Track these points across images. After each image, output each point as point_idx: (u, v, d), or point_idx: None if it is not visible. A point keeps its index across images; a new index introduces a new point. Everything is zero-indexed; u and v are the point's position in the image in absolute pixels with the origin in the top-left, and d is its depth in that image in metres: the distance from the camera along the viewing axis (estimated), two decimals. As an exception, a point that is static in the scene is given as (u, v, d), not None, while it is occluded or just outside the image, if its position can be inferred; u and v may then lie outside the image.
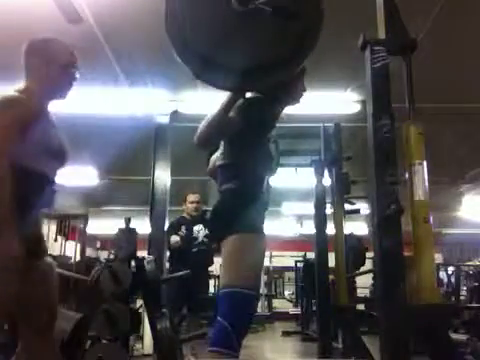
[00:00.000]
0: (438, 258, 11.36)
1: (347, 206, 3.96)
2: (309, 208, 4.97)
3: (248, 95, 1.90)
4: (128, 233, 8.18)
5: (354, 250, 5.64)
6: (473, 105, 5.20)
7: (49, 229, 7.26)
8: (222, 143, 1.88)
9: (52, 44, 1.83)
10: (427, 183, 1.78)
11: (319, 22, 1.60)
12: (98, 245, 11.93)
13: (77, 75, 1.83)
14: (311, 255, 5.96)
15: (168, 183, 5.47)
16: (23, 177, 1.56)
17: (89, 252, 9.72)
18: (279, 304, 12.86)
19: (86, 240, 7.62)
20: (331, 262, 3.83)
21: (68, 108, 5.13)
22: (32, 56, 1.75)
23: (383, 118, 1.79)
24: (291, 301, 12.00)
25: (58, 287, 1.82)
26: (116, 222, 8.86)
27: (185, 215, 4.51)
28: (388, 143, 1.78)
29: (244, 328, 1.72)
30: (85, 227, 7.33)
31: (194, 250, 4.24)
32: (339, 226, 3.78)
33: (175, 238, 4.23)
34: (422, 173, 1.78)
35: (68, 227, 7.39)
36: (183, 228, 4.32)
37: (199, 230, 4.32)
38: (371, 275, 6.11)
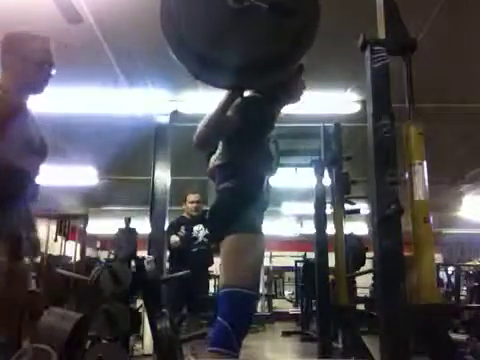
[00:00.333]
0: (438, 258, 11.36)
1: (347, 206, 3.96)
2: (309, 208, 4.97)
3: (246, 94, 1.90)
4: (128, 233, 8.18)
5: (354, 250, 5.64)
6: (473, 105, 5.20)
7: (49, 229, 7.26)
8: (221, 143, 1.88)
9: (28, 40, 1.78)
10: (427, 183, 1.78)
11: (316, 18, 1.60)
12: (98, 245, 11.93)
13: (53, 72, 1.80)
14: (311, 255, 5.96)
15: (168, 183, 5.47)
16: (3, 173, 1.54)
17: (89, 252, 9.73)
18: (279, 304, 12.85)
19: (86, 240, 7.62)
20: (331, 262, 3.83)
21: (68, 108, 5.14)
22: (7, 52, 1.73)
23: (383, 118, 1.79)
24: (291, 301, 12.00)
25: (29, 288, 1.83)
26: (116, 222, 8.85)
27: (185, 215, 4.51)
28: (388, 143, 1.78)
29: (244, 328, 1.72)
30: (85, 227, 7.33)
31: (194, 250, 4.24)
32: (339, 226, 3.78)
33: (175, 238, 4.23)
34: (422, 173, 1.78)
35: (68, 227, 7.38)
36: (182, 228, 4.32)
37: (199, 230, 4.32)
38: (371, 275, 6.11)
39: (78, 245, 7.42)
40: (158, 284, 3.06)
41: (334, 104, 5.42)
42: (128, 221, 8.55)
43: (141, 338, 4.69)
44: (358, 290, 8.15)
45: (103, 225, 11.10)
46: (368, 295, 9.56)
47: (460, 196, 9.40)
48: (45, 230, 7.20)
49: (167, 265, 4.72)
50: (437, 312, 1.70)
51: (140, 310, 4.05)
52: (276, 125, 2.00)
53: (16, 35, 1.78)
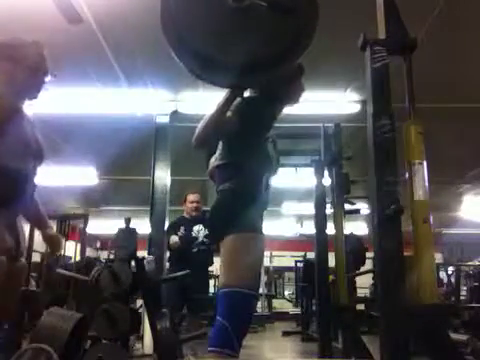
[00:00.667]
0: (438, 258, 11.36)
1: (347, 206, 3.96)
2: (309, 208, 4.98)
3: (246, 95, 1.90)
4: (128, 233, 8.21)
5: (354, 250, 5.64)
6: (473, 105, 5.20)
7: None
8: (220, 143, 1.88)
9: (22, 46, 1.79)
10: (427, 183, 1.78)
11: (315, 17, 1.60)
12: (98, 245, 11.93)
13: (47, 79, 1.81)
14: (311, 255, 5.95)
15: (168, 183, 5.48)
16: (2, 176, 1.57)
17: (89, 252, 9.73)
18: (279, 304, 12.86)
19: (86, 240, 7.62)
20: (331, 262, 3.83)
21: (68, 108, 5.14)
22: (1, 58, 1.73)
23: (383, 118, 1.79)
24: (291, 301, 12.00)
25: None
26: (116, 222, 8.89)
27: (185, 215, 4.51)
28: (388, 143, 1.78)
29: (243, 328, 1.71)
30: (85, 227, 7.32)
31: (194, 250, 4.24)
32: (339, 226, 3.78)
33: (174, 239, 4.23)
34: (422, 173, 1.78)
35: (68, 227, 7.38)
36: (182, 228, 4.32)
37: (199, 230, 4.32)
38: (371, 275, 6.11)
39: (78, 245, 7.42)
40: (158, 284, 3.07)
41: (334, 104, 5.42)
42: (128, 221, 8.56)
43: (141, 338, 4.69)
44: (358, 290, 8.15)
45: (103, 225, 11.11)
46: (368, 295, 9.56)
47: (460, 196, 9.41)
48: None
49: (167, 265, 4.72)
50: (437, 312, 1.70)
51: (140, 310, 4.06)
52: (276, 125, 2.00)
53: (10, 41, 1.78)
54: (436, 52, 4.14)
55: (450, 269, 9.39)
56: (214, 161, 1.91)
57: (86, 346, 2.73)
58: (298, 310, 9.41)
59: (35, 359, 2.04)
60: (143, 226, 6.36)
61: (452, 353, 1.74)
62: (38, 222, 2.00)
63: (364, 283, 8.92)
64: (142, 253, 3.97)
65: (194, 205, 4.44)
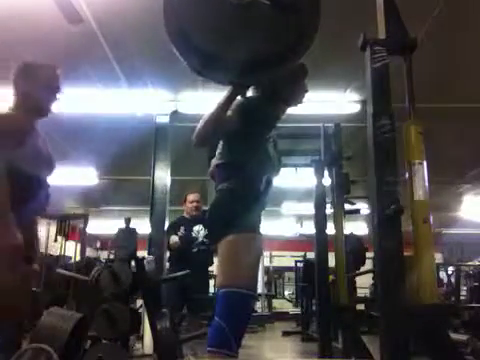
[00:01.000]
0: (438, 258, 11.37)
1: (347, 206, 3.96)
2: (309, 208, 4.97)
3: (248, 94, 1.90)
4: (128, 233, 8.21)
5: (354, 250, 5.65)
6: (473, 105, 5.20)
7: (49, 229, 7.26)
8: (221, 142, 1.87)
9: (39, 68, 1.98)
10: (427, 183, 1.78)
11: (317, 16, 1.59)
12: (98, 245, 11.93)
13: (59, 96, 2.02)
14: (311, 255, 5.95)
15: (168, 183, 5.48)
16: (18, 181, 1.64)
17: (89, 252, 9.73)
18: (279, 304, 12.85)
19: (86, 240, 7.63)
20: (331, 262, 3.83)
21: (68, 108, 5.14)
22: (20, 78, 1.94)
23: (383, 118, 1.79)
24: (291, 301, 12.00)
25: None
26: (116, 222, 8.90)
27: (185, 215, 4.50)
28: (388, 143, 1.78)
29: (241, 328, 1.71)
30: (85, 227, 7.33)
31: (194, 250, 4.24)
32: (339, 226, 3.78)
33: (174, 239, 4.22)
34: (422, 173, 1.78)
35: (68, 227, 7.39)
36: (182, 228, 4.32)
37: (199, 230, 4.32)
38: (371, 275, 6.11)
39: (78, 245, 7.42)
40: (158, 284, 3.07)
41: (334, 104, 5.42)
42: (128, 221, 8.56)
43: (141, 338, 4.69)
44: (358, 290, 8.15)
45: (103, 225, 11.11)
46: (368, 295, 9.56)
47: (460, 196, 9.41)
48: (45, 230, 7.20)
49: (167, 265, 4.72)
50: (437, 312, 1.70)
51: (140, 310, 4.06)
52: (276, 125, 2.00)
53: (29, 62, 1.99)
54: (436, 52, 4.14)
55: (450, 269, 9.40)
56: (214, 160, 1.90)
57: (86, 346, 2.73)
58: (298, 310, 9.41)
59: (35, 359, 2.04)
60: (143, 226, 6.36)
61: (452, 353, 1.74)
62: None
63: (364, 283, 8.92)
64: (142, 253, 3.97)
65: (194, 205, 4.43)
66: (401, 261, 1.69)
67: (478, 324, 5.23)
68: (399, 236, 1.70)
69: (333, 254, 3.77)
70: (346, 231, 3.97)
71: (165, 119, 5.58)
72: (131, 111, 5.54)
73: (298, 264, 9.80)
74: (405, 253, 1.70)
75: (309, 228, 9.34)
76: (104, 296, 2.76)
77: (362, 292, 9.21)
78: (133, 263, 2.95)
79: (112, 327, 2.65)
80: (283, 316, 10.97)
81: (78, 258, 7.12)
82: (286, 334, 7.78)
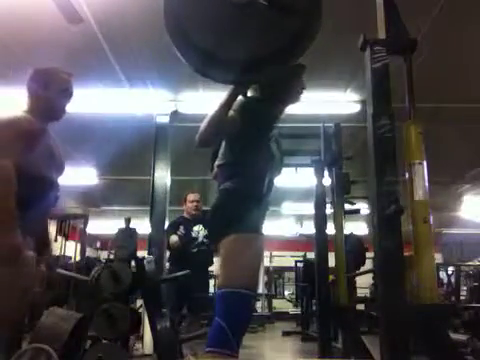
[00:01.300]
0: (438, 258, 11.36)
1: (347, 206, 3.96)
2: (309, 208, 4.97)
3: (248, 94, 1.90)
4: (128, 233, 8.20)
5: (354, 250, 5.64)
6: (473, 105, 5.20)
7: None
8: (223, 143, 1.87)
9: (54, 73, 2.02)
10: (427, 183, 1.78)
11: (317, 17, 1.59)
12: (98, 245, 11.93)
13: (70, 100, 2.07)
14: (311, 255, 5.96)
15: (168, 183, 5.48)
16: (30, 183, 1.71)
17: (89, 252, 9.72)
18: (279, 304, 12.85)
19: (86, 240, 7.62)
20: (331, 262, 3.83)
21: (68, 108, 5.14)
22: (34, 81, 1.97)
23: (383, 118, 1.79)
24: (291, 301, 12.00)
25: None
26: (116, 222, 8.89)
27: (185, 215, 4.50)
28: (388, 143, 1.78)
29: (242, 328, 1.71)
30: (85, 227, 7.33)
31: (194, 250, 4.23)
32: (339, 226, 3.78)
33: (174, 238, 4.22)
34: (422, 173, 1.78)
35: (68, 227, 7.39)
36: (181, 228, 4.31)
37: (199, 230, 4.32)
38: (371, 275, 6.10)
39: (78, 245, 7.42)
40: (158, 284, 3.06)
41: (334, 104, 5.42)
42: (128, 221, 8.55)
43: (141, 338, 4.69)
44: (358, 290, 8.14)
45: (103, 225, 11.11)
46: (368, 295, 9.56)
47: (460, 196, 9.41)
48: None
49: (167, 265, 4.72)
50: (437, 312, 1.70)
51: (140, 310, 4.05)
52: (277, 125, 2.00)
53: (44, 69, 2.02)
54: (436, 52, 4.14)
55: (450, 269, 9.39)
56: (217, 161, 1.90)
57: (86, 346, 2.73)
58: (298, 310, 9.42)
59: (35, 359, 2.04)
60: (143, 226, 6.36)
61: (452, 353, 1.74)
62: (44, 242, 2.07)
63: (364, 283, 8.92)
64: (142, 253, 3.97)
65: (194, 204, 4.43)
66: (401, 261, 1.69)
67: (478, 324, 5.23)
68: (399, 236, 1.70)
69: (333, 254, 3.77)
70: (346, 231, 3.97)
71: (165, 119, 5.57)
72: (131, 111, 5.54)
73: (298, 264, 9.81)
74: (405, 253, 1.70)
75: (309, 228, 9.35)
76: (104, 296, 2.76)
77: (362, 292, 9.21)
78: (133, 263, 2.95)
79: (112, 327, 2.65)
80: (283, 316, 10.98)
81: (78, 258, 7.12)
82: (286, 334, 7.78)
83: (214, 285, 8.83)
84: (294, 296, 11.56)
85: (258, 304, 11.23)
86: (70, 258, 7.90)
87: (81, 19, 3.71)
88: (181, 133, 4.77)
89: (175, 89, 5.31)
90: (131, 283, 2.79)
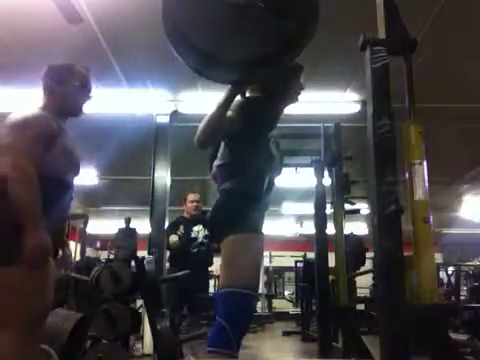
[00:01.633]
0: (438, 258, 11.37)
1: (347, 206, 3.96)
2: (309, 208, 4.97)
3: (246, 94, 1.90)
4: (128, 233, 8.20)
5: (354, 250, 5.64)
6: (473, 105, 5.20)
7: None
8: (222, 143, 1.87)
9: (71, 69, 1.99)
10: (427, 183, 1.78)
11: (314, 19, 1.59)
12: (98, 245, 11.93)
13: (90, 96, 2.06)
14: (311, 255, 5.95)
15: (168, 183, 5.47)
16: (49, 184, 1.67)
17: (89, 252, 9.72)
18: (279, 304, 12.85)
19: (86, 240, 7.62)
20: (331, 262, 3.83)
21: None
22: (50, 78, 1.92)
23: (383, 118, 1.79)
24: (291, 301, 12.00)
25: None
26: (116, 222, 8.89)
27: (185, 215, 4.51)
28: (388, 143, 1.78)
29: (242, 328, 1.71)
30: (85, 227, 7.33)
31: (194, 250, 4.24)
32: (339, 226, 3.78)
33: (173, 238, 4.23)
34: (422, 173, 1.78)
35: (68, 227, 7.38)
36: (181, 228, 4.32)
37: (199, 230, 4.32)
38: (371, 275, 6.10)
39: (78, 245, 7.42)
40: (158, 284, 3.07)
41: (334, 104, 5.42)
42: (128, 221, 8.54)
43: (141, 338, 4.69)
44: (358, 290, 8.14)
45: (103, 225, 11.10)
46: (368, 295, 9.56)
47: (460, 196, 9.40)
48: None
49: (167, 265, 4.72)
50: (437, 312, 1.70)
51: (140, 310, 4.06)
52: (277, 125, 2.00)
53: (61, 65, 1.99)
54: (436, 52, 4.14)
55: (450, 269, 9.39)
56: (216, 161, 1.90)
57: (86, 346, 2.73)
58: (298, 310, 9.41)
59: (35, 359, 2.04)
60: (143, 226, 6.35)
61: (452, 353, 1.74)
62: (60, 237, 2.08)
63: (364, 283, 8.92)
64: (142, 253, 3.96)
65: (194, 204, 4.44)
66: (401, 261, 1.69)
67: (478, 324, 5.23)
68: (399, 236, 1.70)
69: (333, 254, 3.77)
70: (346, 231, 3.97)
71: (165, 119, 5.57)
72: (131, 111, 5.54)
73: (298, 264, 9.80)
74: (405, 253, 1.70)
75: (309, 228, 9.34)
76: (104, 296, 2.76)
77: (362, 292, 9.21)
78: (133, 263, 2.96)
79: (112, 327, 2.65)
80: (283, 316, 10.98)
81: (78, 258, 7.12)
82: (286, 334, 7.78)
83: (214, 285, 8.86)
84: (294, 296, 11.57)
85: (258, 304, 11.23)
86: (70, 258, 7.89)
87: (81, 19, 3.71)
88: (181, 133, 4.75)
89: (175, 89, 5.30)
90: (131, 283, 2.79)
